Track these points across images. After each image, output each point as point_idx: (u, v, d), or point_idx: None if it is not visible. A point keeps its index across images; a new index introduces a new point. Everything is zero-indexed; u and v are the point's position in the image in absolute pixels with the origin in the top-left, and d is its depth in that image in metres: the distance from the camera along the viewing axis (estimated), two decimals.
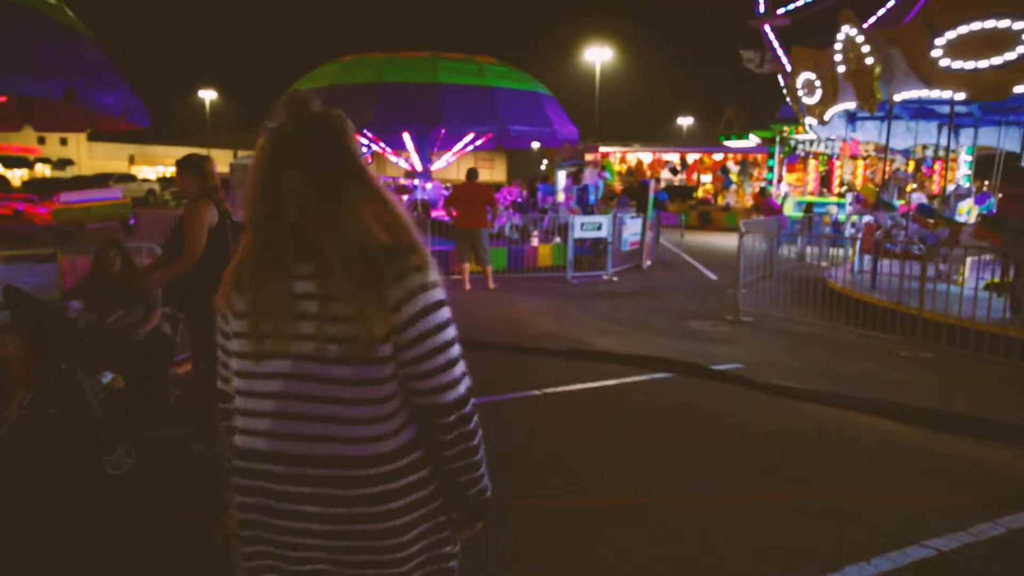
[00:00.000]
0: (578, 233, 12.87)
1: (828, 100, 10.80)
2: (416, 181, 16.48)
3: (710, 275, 13.88)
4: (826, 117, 11.31)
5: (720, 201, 28.23)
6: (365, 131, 14.40)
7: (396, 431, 1.37)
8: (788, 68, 12.07)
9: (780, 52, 12.32)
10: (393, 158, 16.77)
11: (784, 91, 12.89)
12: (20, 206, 11.41)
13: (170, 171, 47.49)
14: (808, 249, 13.83)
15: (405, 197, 15.67)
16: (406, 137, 15.55)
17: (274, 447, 1.36)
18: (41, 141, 59.27)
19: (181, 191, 4.78)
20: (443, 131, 14.67)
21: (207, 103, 61.23)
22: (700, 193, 29.43)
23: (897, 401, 5.77)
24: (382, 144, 16.14)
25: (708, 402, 5.88)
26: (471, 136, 15.72)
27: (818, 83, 10.85)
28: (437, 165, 17.21)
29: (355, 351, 1.31)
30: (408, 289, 1.33)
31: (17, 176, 47.89)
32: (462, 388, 1.40)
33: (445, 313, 1.39)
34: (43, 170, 57.60)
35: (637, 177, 27.88)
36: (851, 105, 10.47)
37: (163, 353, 5.33)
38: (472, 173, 11.85)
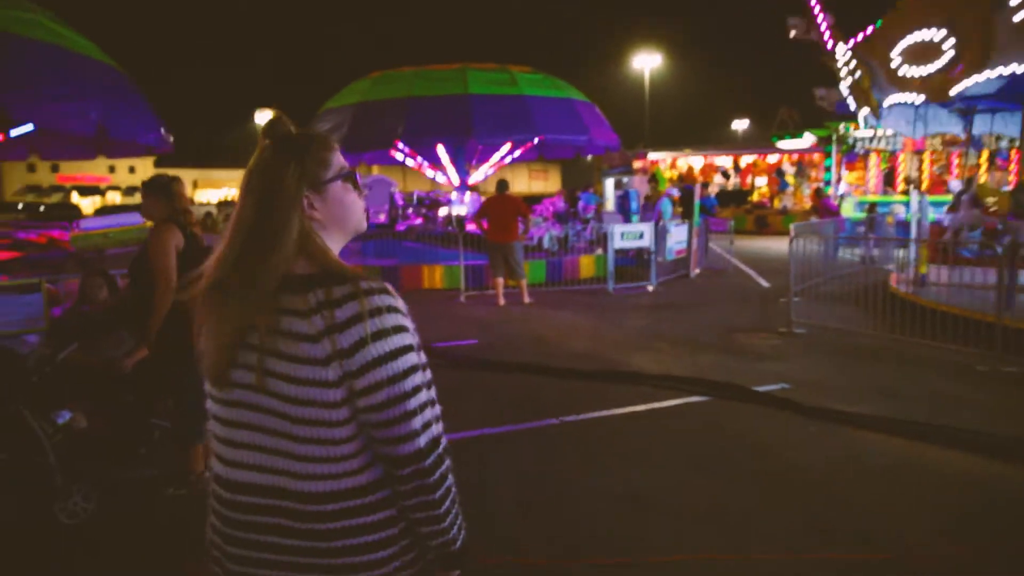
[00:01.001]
0: (618, 243, 12.19)
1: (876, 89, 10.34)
2: (453, 195, 16.07)
3: (762, 282, 13.00)
4: (886, 103, 10.60)
5: (776, 204, 27.05)
6: (398, 146, 14.08)
7: (359, 469, 1.30)
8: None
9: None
10: (431, 172, 16.38)
11: (842, 81, 12.13)
12: (53, 233, 11.46)
13: (232, 194, 48.35)
14: (873, 252, 12.82)
15: (441, 211, 15.29)
16: (441, 150, 15.16)
17: (229, 474, 1.34)
18: (111, 170, 61.72)
19: (145, 215, 4.37)
20: (480, 144, 14.21)
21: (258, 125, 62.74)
22: (755, 197, 28.29)
23: (976, 429, 4.93)
24: (419, 158, 15.78)
25: (748, 432, 5.16)
26: (508, 147, 15.22)
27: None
28: (475, 178, 16.75)
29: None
30: (353, 335, 1.24)
31: (89, 204, 49.90)
32: (421, 440, 1.29)
33: (404, 361, 1.28)
34: (114, 197, 59.98)
35: (686, 183, 26.95)
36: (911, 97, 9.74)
37: (150, 385, 4.91)
38: (502, 185, 11.33)
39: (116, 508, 4.08)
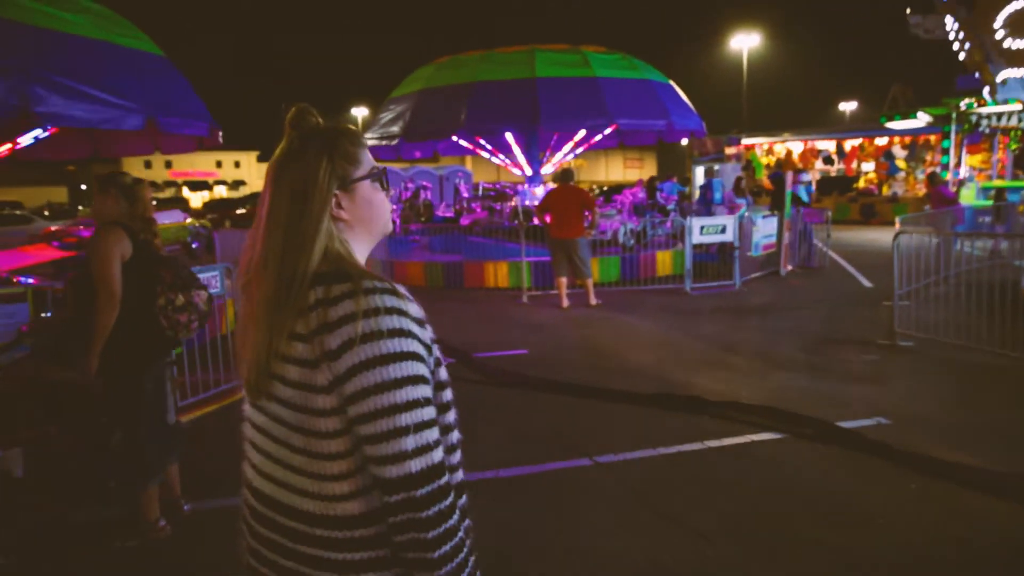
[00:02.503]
0: (697, 238, 11.01)
1: None
2: (526, 186, 15.22)
3: (864, 281, 11.48)
4: (999, 78, 9.03)
5: (885, 191, 24.71)
6: (460, 136, 13.35)
7: (350, 495, 1.16)
8: None
9: None
10: (498, 161, 15.58)
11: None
12: (84, 232, 11.36)
13: None
14: (1002, 246, 11.08)
15: (510, 204, 14.50)
16: (509, 138, 14.33)
17: (256, 482, 1.27)
18: (218, 164, 64.57)
19: (96, 215, 3.77)
20: (546, 130, 13.29)
21: (359, 120, 63.82)
22: (861, 183, 25.99)
23: None
24: (488, 148, 15.00)
25: (825, 488, 4.07)
26: (582, 134, 14.21)
27: None
28: (549, 168, 15.84)
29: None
30: (342, 334, 1.11)
31: (199, 198, 52.20)
32: (414, 465, 1.11)
33: (399, 368, 1.11)
34: (220, 191, 62.68)
35: (786, 170, 25.05)
36: None
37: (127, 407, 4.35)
38: (566, 175, 10.38)
39: (47, 564, 3.50)
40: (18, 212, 24.03)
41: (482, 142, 14.81)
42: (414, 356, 1.14)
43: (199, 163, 62.90)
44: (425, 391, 1.15)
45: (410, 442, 1.11)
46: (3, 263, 7.62)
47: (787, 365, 6.61)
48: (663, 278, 11.79)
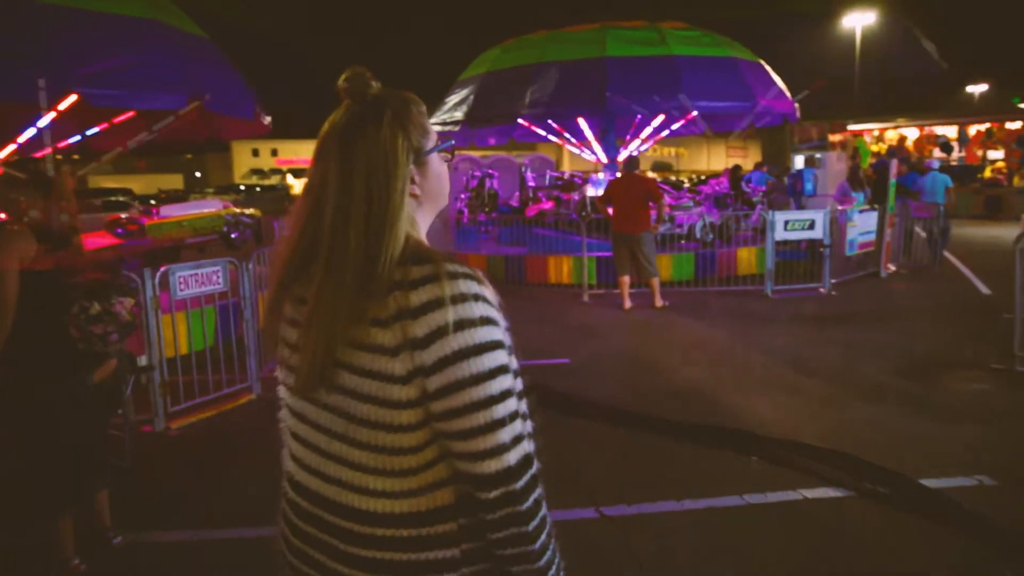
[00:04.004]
0: (781, 234, 9.78)
1: None
2: (600, 175, 14.26)
3: (981, 287, 9.92)
4: None
5: (1016, 182, 22.09)
6: (526, 120, 12.53)
7: (421, 490, 1.09)
8: None
9: None
10: (575, 149, 14.67)
11: None
12: (144, 219, 11.09)
13: None
14: None
15: (588, 192, 13.60)
16: (582, 123, 13.41)
17: (300, 477, 1.19)
18: (273, 153, 65.94)
19: (2, 209, 3.26)
20: (623, 115, 12.28)
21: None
22: (987, 173, 23.38)
23: None
24: (559, 133, 14.12)
25: (897, 574, 3.07)
26: (661, 118, 13.12)
27: None
28: (627, 155, 14.79)
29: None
30: (429, 322, 1.03)
31: (300, 185, 53.54)
32: (511, 457, 1.05)
33: (491, 358, 1.05)
34: None
35: (899, 157, 22.87)
36: None
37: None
38: (631, 163, 9.45)
39: None
40: (122, 199, 25.07)
41: (554, 126, 13.93)
42: (502, 345, 1.08)
43: (304, 151, 64.46)
44: (511, 381, 1.09)
45: (506, 434, 1.06)
46: None
47: (870, 393, 5.49)
48: (743, 278, 10.59)
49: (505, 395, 1.06)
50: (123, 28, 6.55)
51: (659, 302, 8.93)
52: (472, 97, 12.07)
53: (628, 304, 8.98)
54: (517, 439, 1.07)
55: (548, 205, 13.24)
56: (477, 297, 1.06)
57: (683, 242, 11.16)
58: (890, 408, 5.14)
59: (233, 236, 8.86)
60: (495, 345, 1.06)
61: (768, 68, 12.71)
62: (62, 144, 8.37)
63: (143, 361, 4.91)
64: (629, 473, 4.16)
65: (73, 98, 5.58)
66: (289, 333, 1.18)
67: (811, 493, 3.80)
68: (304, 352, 1.11)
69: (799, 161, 22.66)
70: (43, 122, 5.43)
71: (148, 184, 46.21)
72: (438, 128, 12.71)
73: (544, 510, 1.11)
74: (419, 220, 1.20)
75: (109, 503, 3.53)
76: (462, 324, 1.03)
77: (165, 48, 6.69)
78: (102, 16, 6.58)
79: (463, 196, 14.63)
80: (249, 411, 5.51)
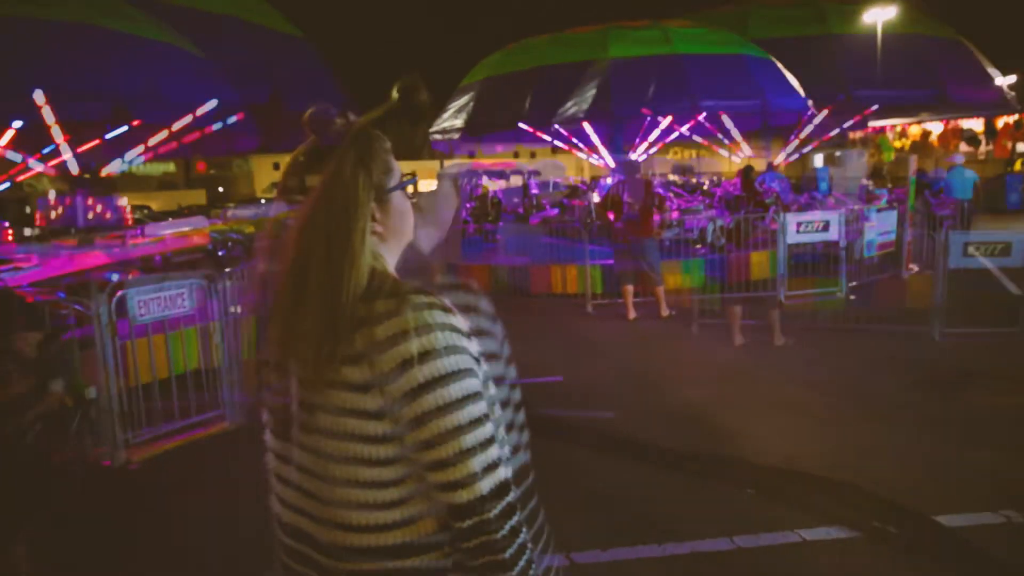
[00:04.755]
0: (793, 237, 9.29)
1: None
2: (609, 180, 13.87)
3: (1010, 287, 9.33)
4: None
5: None
6: (529, 126, 12.22)
7: (406, 522, 1.10)
8: None
9: None
10: (583, 155, 14.32)
11: None
12: (129, 239, 10.98)
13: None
14: None
15: (594, 198, 13.23)
16: (588, 128, 13.06)
17: (287, 519, 1.20)
18: None
19: None
20: (630, 116, 11.92)
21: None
22: (1017, 166, 22.55)
23: None
24: (565, 139, 13.80)
25: None
26: (668, 120, 12.73)
27: None
28: (637, 158, 14.38)
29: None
30: (394, 355, 1.04)
31: None
32: (483, 486, 1.05)
33: (459, 388, 1.05)
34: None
35: (922, 153, 22.20)
36: None
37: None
38: (631, 167, 9.11)
39: None
40: (137, 216, 25.04)
41: (562, 132, 13.60)
42: (470, 372, 1.08)
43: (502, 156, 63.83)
44: (484, 407, 1.09)
45: (477, 462, 1.06)
46: (44, 271, 7.29)
47: (885, 411, 5.04)
48: (757, 283, 10.04)
49: (475, 423, 1.06)
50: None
51: (665, 311, 8.45)
52: (472, 104, 11.80)
53: (633, 314, 8.52)
54: (490, 467, 1.07)
55: (552, 213, 12.89)
56: (443, 327, 1.06)
57: (699, 247, 10.63)
58: (906, 427, 4.70)
59: (220, 253, 8.71)
60: (462, 374, 1.06)
61: (779, 65, 12.26)
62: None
63: (93, 393, 4.63)
64: (606, 511, 3.77)
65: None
66: (270, 375, 1.19)
67: (810, 534, 3.37)
68: (279, 394, 1.14)
69: (818, 160, 22.08)
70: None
71: (170, 201, 46.23)
72: (438, 137, 12.44)
73: (523, 537, 1.09)
74: (385, 255, 1.19)
75: (31, 554, 3.23)
76: (426, 355, 1.04)
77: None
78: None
79: (468, 206, 14.33)
80: (221, 442, 5.20)
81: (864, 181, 12.89)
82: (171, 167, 35.10)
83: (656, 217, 8.52)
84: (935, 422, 4.77)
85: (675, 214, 11.18)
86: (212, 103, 8.68)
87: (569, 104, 10.80)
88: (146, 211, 22.91)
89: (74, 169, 9.14)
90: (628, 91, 10.58)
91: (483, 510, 1.05)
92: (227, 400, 5.45)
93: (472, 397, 1.06)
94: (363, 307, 1.07)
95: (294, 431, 1.14)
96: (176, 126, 9.81)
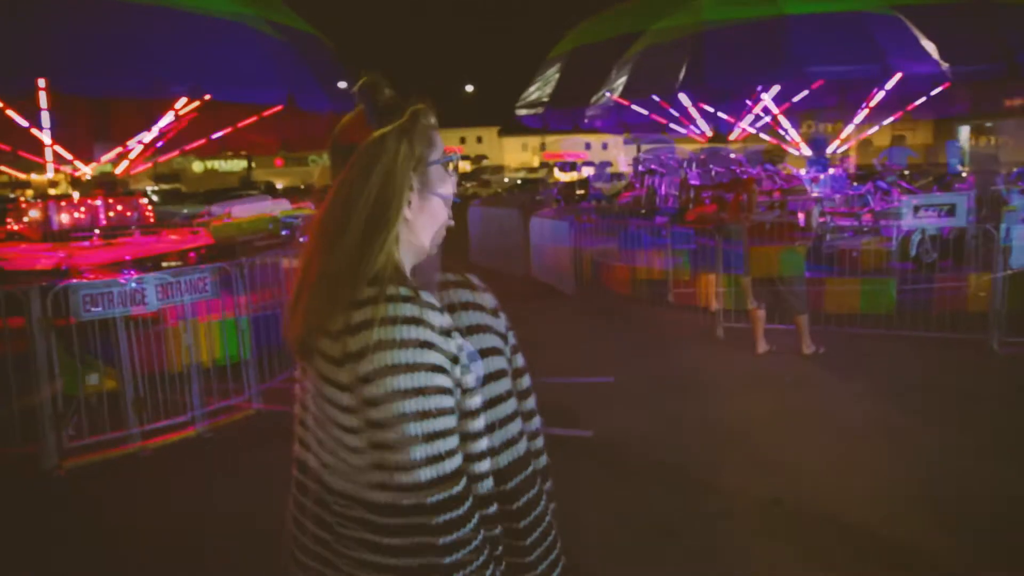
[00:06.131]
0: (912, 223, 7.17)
1: None
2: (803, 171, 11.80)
3: None
4: None
5: None
6: (617, 98, 10.93)
7: (378, 485, 1.15)
8: None
9: None
10: (681, 128, 12.77)
11: None
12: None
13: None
14: None
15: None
16: (683, 98, 11.53)
17: (298, 455, 1.30)
18: (461, 141, 65.46)
19: None
20: (715, 87, 10.41)
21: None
22: None
23: None
24: (670, 110, 12.21)
25: None
26: (776, 89, 10.97)
27: None
28: (739, 133, 12.66)
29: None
30: (361, 339, 1.12)
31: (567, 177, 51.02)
32: (424, 474, 1.11)
33: (409, 379, 1.11)
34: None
35: None
36: None
37: None
38: (754, 156, 7.36)
39: None
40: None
41: (656, 101, 12.00)
42: (428, 367, 1.12)
43: (569, 146, 63.33)
44: (439, 401, 1.12)
45: (420, 452, 1.11)
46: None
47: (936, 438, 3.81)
48: (975, 318, 6.67)
49: (423, 415, 1.10)
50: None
51: (808, 347, 6.33)
52: (556, 79, 10.82)
53: (762, 347, 6.45)
54: (434, 458, 1.11)
55: (711, 209, 11.06)
56: (408, 320, 1.11)
57: (898, 263, 8.14)
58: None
59: (283, 233, 8.52)
60: (416, 367, 1.10)
61: (909, 24, 9.98)
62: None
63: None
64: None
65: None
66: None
67: None
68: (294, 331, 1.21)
69: (964, 133, 18.67)
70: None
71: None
72: (524, 112, 11.72)
73: (467, 530, 1.13)
74: (406, 246, 1.23)
75: None
76: (382, 344, 1.10)
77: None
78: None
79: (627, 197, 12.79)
80: (174, 451, 4.70)
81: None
82: (244, 164, 36.97)
83: (801, 222, 6.40)
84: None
85: (867, 217, 8.93)
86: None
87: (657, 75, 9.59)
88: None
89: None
90: (723, 59, 9.13)
91: (421, 495, 1.10)
92: (198, 404, 4.97)
93: (423, 391, 1.10)
94: (353, 291, 1.14)
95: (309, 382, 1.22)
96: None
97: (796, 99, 10.93)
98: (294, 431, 1.30)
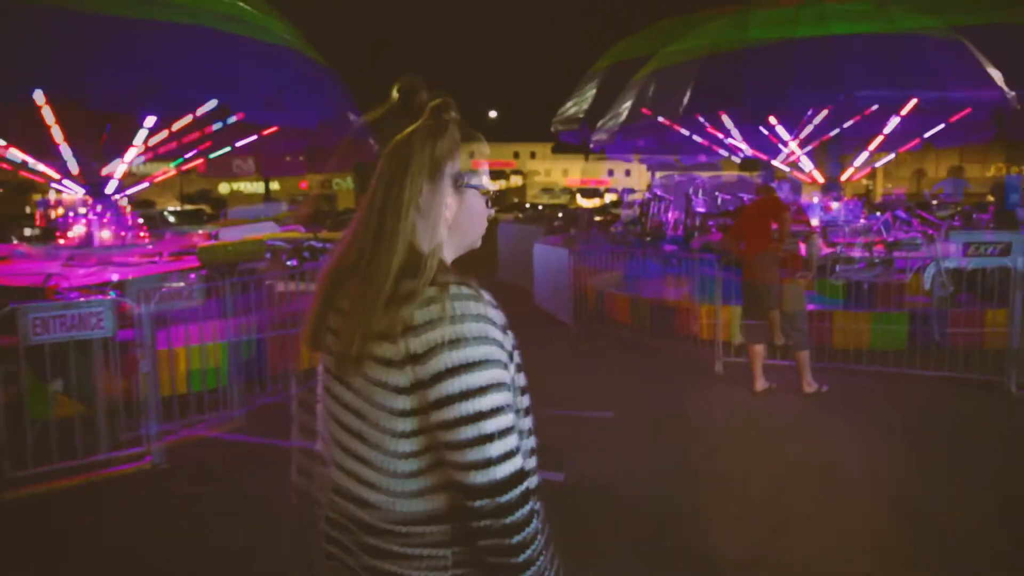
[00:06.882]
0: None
1: None
2: (815, 199, 11.42)
3: None
4: None
5: None
6: (663, 120, 10.61)
7: (417, 493, 1.18)
8: None
9: None
10: (725, 152, 12.40)
11: None
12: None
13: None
14: None
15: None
16: (726, 120, 11.17)
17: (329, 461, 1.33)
18: (515, 156, 65.35)
19: None
20: (751, 115, 10.09)
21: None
22: None
23: None
24: (718, 135, 11.81)
25: None
26: (823, 113, 10.57)
27: None
28: (785, 157, 12.22)
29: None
30: (428, 339, 1.12)
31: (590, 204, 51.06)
32: (499, 472, 1.11)
33: (484, 376, 1.12)
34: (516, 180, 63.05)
35: None
36: None
37: None
38: (765, 182, 6.94)
39: None
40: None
41: (703, 124, 11.62)
42: (497, 363, 1.14)
43: (593, 171, 63.32)
44: (508, 397, 1.15)
45: (495, 448, 1.11)
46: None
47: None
48: (991, 357, 6.32)
49: (496, 411, 1.11)
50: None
51: (810, 386, 6.01)
52: (591, 98, 10.60)
53: (760, 384, 6.13)
54: (507, 455, 1.11)
55: (717, 237, 10.48)
56: (477, 317, 1.13)
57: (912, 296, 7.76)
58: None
59: (292, 263, 8.41)
60: (488, 363, 1.11)
61: (970, 47, 9.46)
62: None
63: None
64: None
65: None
66: (331, 341, 1.25)
67: None
68: (340, 344, 1.20)
69: None
70: None
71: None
72: (560, 127, 11.62)
73: (533, 527, 1.14)
74: (446, 246, 1.25)
75: None
76: (456, 342, 1.10)
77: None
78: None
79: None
80: (124, 484, 4.50)
81: None
82: (276, 186, 37.66)
83: (802, 253, 6.10)
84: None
85: (879, 247, 8.48)
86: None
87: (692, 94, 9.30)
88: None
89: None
90: (765, 80, 8.79)
91: (496, 493, 1.10)
92: (148, 435, 4.78)
93: (496, 386, 1.12)
94: (408, 289, 1.12)
95: (339, 390, 1.22)
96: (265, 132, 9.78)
97: (846, 125, 10.46)
98: (318, 448, 1.31)
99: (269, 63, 8.46)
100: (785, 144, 11.42)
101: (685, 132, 11.55)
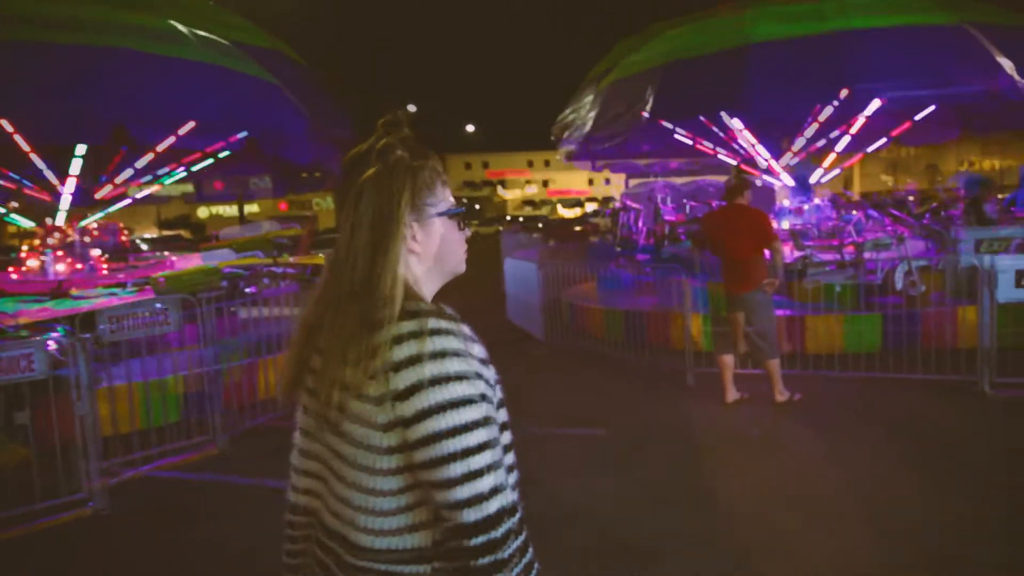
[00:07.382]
0: (1009, 292, 5.84)
1: None
2: (786, 202, 11.28)
3: None
4: None
5: None
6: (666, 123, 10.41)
7: (398, 531, 1.16)
8: None
9: None
10: (728, 158, 12.06)
11: None
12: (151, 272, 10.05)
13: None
14: None
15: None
16: (735, 122, 10.83)
17: (298, 500, 1.34)
18: (529, 164, 64.86)
19: None
20: (756, 112, 9.84)
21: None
22: None
23: None
24: (707, 141, 11.58)
25: None
26: (828, 111, 10.32)
27: None
28: (787, 160, 11.99)
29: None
30: (409, 376, 1.10)
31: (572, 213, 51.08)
32: (492, 506, 1.10)
33: (467, 412, 1.11)
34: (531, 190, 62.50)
35: None
36: None
37: None
38: (735, 188, 6.06)
39: None
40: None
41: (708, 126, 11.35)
42: (480, 398, 1.12)
43: (575, 182, 63.13)
44: (493, 432, 1.13)
45: (486, 483, 1.09)
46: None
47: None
48: (966, 352, 6.15)
49: (483, 447, 1.10)
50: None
51: (780, 395, 5.86)
52: (594, 110, 10.32)
53: (732, 396, 5.99)
54: (496, 489, 1.10)
55: (687, 245, 10.40)
56: (457, 354, 1.11)
57: (875, 296, 7.55)
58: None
59: (250, 290, 8.10)
60: (471, 400, 1.10)
61: (980, 36, 8.87)
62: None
63: None
64: None
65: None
66: (311, 380, 1.23)
67: None
68: (318, 396, 1.18)
69: None
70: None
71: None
72: (560, 135, 11.41)
73: (528, 557, 1.14)
74: (424, 279, 1.24)
75: None
76: (437, 380, 1.08)
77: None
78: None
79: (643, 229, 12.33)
80: (65, 532, 4.27)
81: None
82: (255, 207, 37.60)
83: (766, 259, 5.89)
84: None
85: (849, 249, 8.29)
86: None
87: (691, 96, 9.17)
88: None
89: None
90: (768, 78, 8.56)
91: (491, 528, 1.08)
92: (88, 480, 4.54)
93: (480, 423, 1.10)
94: (389, 326, 1.11)
95: (318, 430, 1.21)
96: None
97: (856, 126, 10.21)
98: (289, 481, 1.30)
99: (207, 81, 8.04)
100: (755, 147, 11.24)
101: (683, 134, 11.27)
